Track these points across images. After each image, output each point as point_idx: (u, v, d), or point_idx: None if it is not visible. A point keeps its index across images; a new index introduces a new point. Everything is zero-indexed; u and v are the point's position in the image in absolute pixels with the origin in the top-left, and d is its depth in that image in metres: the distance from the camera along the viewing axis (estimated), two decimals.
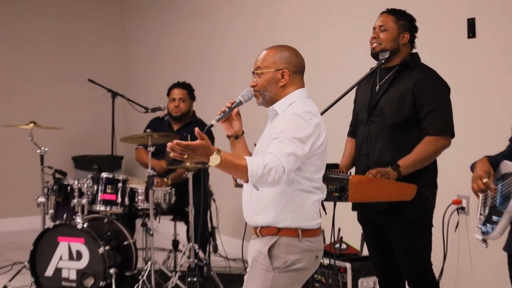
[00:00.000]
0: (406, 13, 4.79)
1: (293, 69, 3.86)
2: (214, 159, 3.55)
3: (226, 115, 3.84)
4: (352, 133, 5.01)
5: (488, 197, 3.87)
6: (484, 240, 3.86)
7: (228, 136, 3.93)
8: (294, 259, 3.87)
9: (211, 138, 3.89)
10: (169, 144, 3.47)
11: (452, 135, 4.65)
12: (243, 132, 3.90)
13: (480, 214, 3.92)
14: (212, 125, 3.82)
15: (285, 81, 3.86)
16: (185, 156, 3.51)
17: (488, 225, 3.87)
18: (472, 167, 3.97)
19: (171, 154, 3.55)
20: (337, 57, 7.21)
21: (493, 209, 3.85)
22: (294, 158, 3.65)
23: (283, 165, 3.61)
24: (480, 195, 3.90)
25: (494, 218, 3.84)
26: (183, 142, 3.47)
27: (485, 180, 3.83)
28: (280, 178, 3.60)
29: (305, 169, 3.74)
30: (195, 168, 6.63)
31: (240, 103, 3.84)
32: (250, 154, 3.88)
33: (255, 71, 3.84)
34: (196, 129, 3.49)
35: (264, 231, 3.85)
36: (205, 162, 3.72)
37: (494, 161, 3.97)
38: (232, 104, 3.84)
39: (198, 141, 3.51)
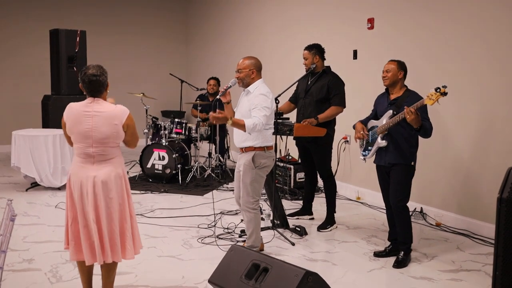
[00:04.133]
0: (315, 44, 5.06)
1: (256, 69, 4.12)
2: (229, 122, 3.89)
3: (224, 93, 4.17)
4: (292, 99, 5.31)
5: (366, 138, 4.33)
6: (364, 159, 4.39)
7: (223, 102, 4.23)
8: (264, 161, 4.15)
9: (222, 104, 4.02)
10: (210, 115, 3.89)
11: (344, 107, 5.07)
12: (230, 100, 4.25)
13: (361, 146, 4.41)
14: (219, 98, 4.19)
15: (254, 75, 4.10)
16: (215, 122, 3.93)
17: (366, 151, 4.36)
18: (354, 126, 4.45)
19: (213, 121, 3.93)
20: (293, 65, 7.44)
21: (368, 144, 4.35)
22: (265, 116, 4.01)
23: (262, 120, 3.96)
24: (359, 140, 4.40)
25: (369, 148, 4.32)
26: (214, 114, 3.86)
27: (361, 132, 4.33)
28: (261, 128, 3.98)
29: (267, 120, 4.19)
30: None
31: (230, 86, 4.17)
32: (234, 112, 4.27)
33: (238, 70, 4.12)
34: (210, 114, 3.89)
35: (247, 149, 4.14)
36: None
37: (365, 121, 4.45)
38: (227, 86, 4.16)
39: (220, 114, 3.89)
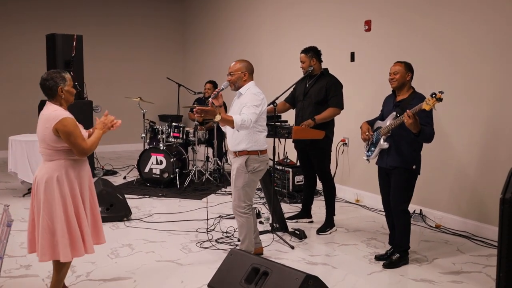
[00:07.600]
0: (311, 47, 5.07)
1: (248, 71, 4.11)
2: (217, 117, 3.74)
3: (216, 95, 4.03)
4: (287, 100, 5.30)
5: (371, 139, 4.31)
6: (367, 160, 4.37)
7: (216, 106, 4.02)
8: (257, 166, 4.09)
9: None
10: (195, 109, 3.72)
11: (342, 108, 5.05)
12: (222, 104, 4.08)
13: (366, 147, 4.40)
14: (210, 100, 4.04)
15: (245, 77, 4.08)
16: (202, 115, 3.71)
17: (369, 152, 4.34)
18: (360, 127, 4.41)
19: (195, 115, 3.75)
20: (289, 67, 7.38)
21: (372, 145, 4.33)
22: (254, 115, 3.92)
23: (250, 118, 3.87)
24: (365, 141, 4.41)
25: (372, 148, 4.31)
26: (201, 108, 3.72)
27: (366, 133, 4.32)
28: (250, 125, 3.88)
29: (258, 121, 4.05)
30: (217, 122, 6.51)
31: (223, 89, 4.09)
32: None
33: (230, 73, 4.08)
34: (196, 108, 3.72)
35: (240, 153, 4.07)
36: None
37: (371, 122, 4.43)
38: (219, 89, 4.07)
39: (208, 107, 3.81)
